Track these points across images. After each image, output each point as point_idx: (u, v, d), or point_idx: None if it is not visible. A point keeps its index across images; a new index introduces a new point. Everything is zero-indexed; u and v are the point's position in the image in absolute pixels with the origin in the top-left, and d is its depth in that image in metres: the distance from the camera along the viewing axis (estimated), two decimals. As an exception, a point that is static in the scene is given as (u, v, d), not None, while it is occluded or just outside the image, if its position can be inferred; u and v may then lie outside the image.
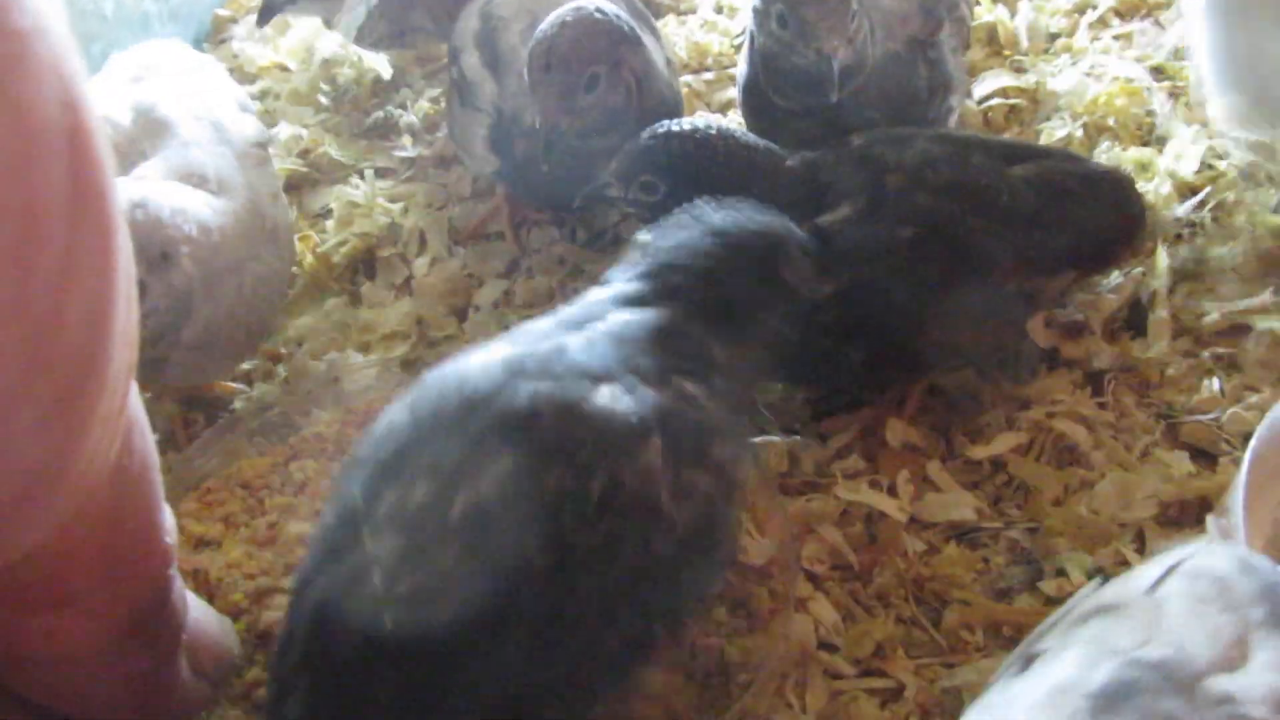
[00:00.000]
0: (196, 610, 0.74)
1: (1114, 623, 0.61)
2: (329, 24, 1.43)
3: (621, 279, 0.80)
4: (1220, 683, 0.56)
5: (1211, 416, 1.02)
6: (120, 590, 0.63)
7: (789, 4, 1.00)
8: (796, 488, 1.01)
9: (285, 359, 1.19)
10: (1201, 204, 1.18)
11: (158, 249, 0.92)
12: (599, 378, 0.71)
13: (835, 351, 0.97)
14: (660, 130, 0.95)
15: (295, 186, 1.37)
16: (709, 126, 0.95)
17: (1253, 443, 0.82)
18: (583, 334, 0.74)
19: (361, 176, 1.36)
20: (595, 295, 0.79)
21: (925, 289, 0.95)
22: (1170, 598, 0.62)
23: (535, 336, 0.75)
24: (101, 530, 0.58)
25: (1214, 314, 1.09)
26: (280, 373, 1.18)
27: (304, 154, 1.41)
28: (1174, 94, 1.33)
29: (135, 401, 0.59)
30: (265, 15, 1.37)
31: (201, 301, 0.96)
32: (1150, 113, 1.29)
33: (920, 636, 0.91)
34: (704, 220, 0.81)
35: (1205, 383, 1.05)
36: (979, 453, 1.01)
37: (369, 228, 1.29)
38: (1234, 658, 0.58)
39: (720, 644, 0.87)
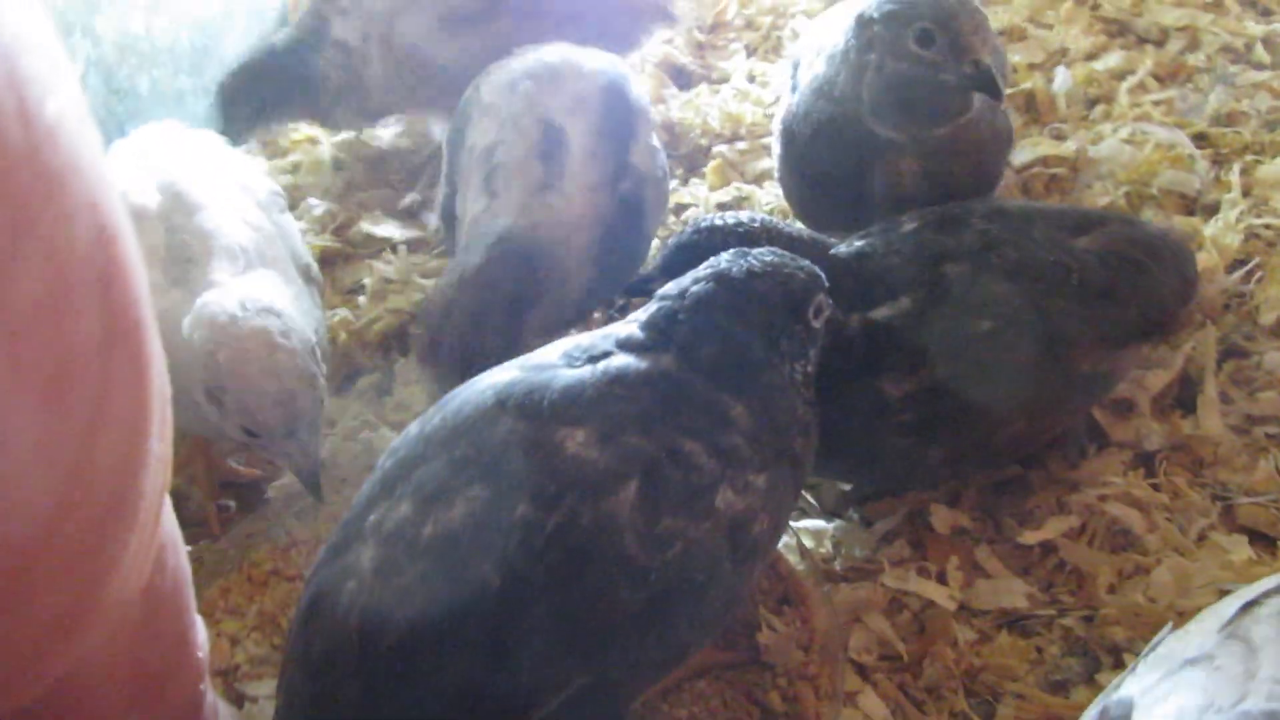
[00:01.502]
0: (226, 717, 0.72)
1: (1206, 675, 0.58)
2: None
3: (633, 323, 0.79)
4: None
5: (1270, 498, 0.99)
6: (153, 709, 0.61)
7: (938, 21, 0.98)
8: (841, 574, 0.98)
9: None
10: (1249, 274, 1.15)
11: (319, 407, 0.93)
12: (577, 421, 0.72)
13: (914, 451, 0.94)
14: (704, 224, 0.93)
15: (329, 262, 1.37)
16: (753, 220, 0.93)
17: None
18: (579, 372, 0.75)
19: (394, 251, 1.36)
20: (604, 333, 0.79)
21: (1007, 382, 0.92)
22: (1267, 643, 0.58)
23: (536, 367, 0.77)
24: (133, 650, 0.57)
25: (1266, 390, 1.07)
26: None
27: (338, 230, 1.41)
28: (1216, 161, 1.30)
29: (169, 519, 0.57)
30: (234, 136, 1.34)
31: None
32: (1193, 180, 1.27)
33: (973, 732, 0.88)
34: (714, 267, 0.79)
35: (1260, 461, 1.02)
36: (1030, 537, 0.98)
37: (402, 304, 1.28)
38: None
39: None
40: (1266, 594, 0.63)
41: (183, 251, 0.98)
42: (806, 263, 0.82)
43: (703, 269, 0.79)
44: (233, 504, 1.11)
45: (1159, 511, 0.99)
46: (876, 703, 0.89)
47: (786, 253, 0.83)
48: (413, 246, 1.37)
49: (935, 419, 0.92)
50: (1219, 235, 1.20)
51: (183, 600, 0.60)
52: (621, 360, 0.75)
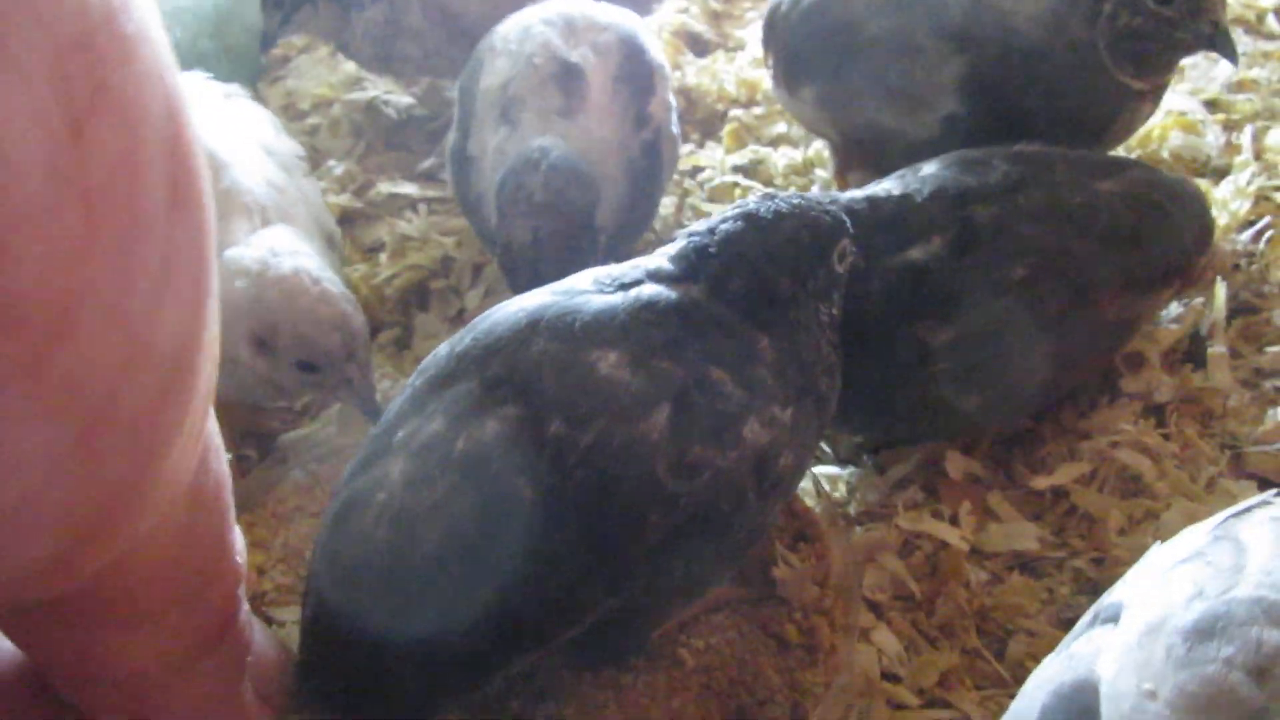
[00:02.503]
0: (259, 633, 0.73)
1: (1195, 569, 0.60)
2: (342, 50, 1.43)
3: (661, 256, 0.81)
4: None
5: (1277, 448, 1.01)
6: (192, 609, 0.63)
7: None
8: (856, 518, 1.00)
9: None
10: (1259, 234, 1.17)
11: (362, 336, 0.95)
12: (609, 344, 0.73)
13: (951, 398, 0.96)
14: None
15: (349, 220, 1.38)
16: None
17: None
18: (610, 298, 0.77)
19: (415, 210, 1.37)
20: (632, 264, 0.81)
21: (1040, 329, 0.94)
22: (1258, 542, 0.60)
23: (567, 292, 0.78)
24: (176, 549, 0.58)
25: (1275, 344, 1.08)
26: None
27: (358, 191, 1.42)
28: (1228, 127, 1.32)
29: (213, 424, 0.59)
30: (265, 44, 1.38)
31: None
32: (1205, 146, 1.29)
33: (985, 667, 0.89)
34: (743, 208, 0.82)
35: (1270, 413, 1.03)
36: (1041, 483, 0.99)
37: (422, 260, 1.30)
38: None
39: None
40: (1256, 505, 0.65)
41: None
42: (832, 207, 0.84)
43: (731, 209, 0.82)
44: (254, 454, 1.13)
45: (1169, 459, 1.00)
46: (890, 638, 0.91)
47: (812, 196, 0.85)
48: (432, 205, 1.39)
49: (972, 366, 0.94)
50: (1230, 197, 1.21)
51: (224, 504, 0.61)
52: (652, 289, 0.77)
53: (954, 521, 0.98)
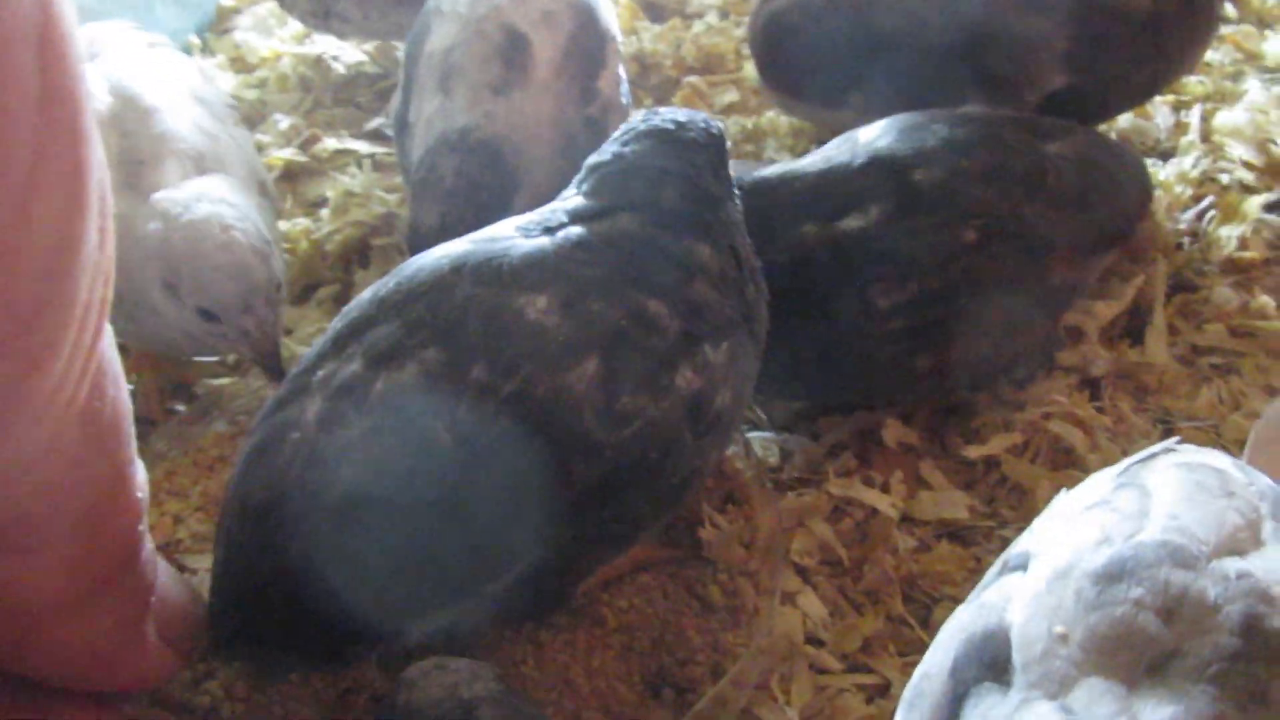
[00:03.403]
0: (166, 575, 0.72)
1: (1102, 515, 0.60)
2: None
3: (575, 197, 0.80)
4: (1233, 562, 0.54)
5: (1209, 423, 1.01)
6: (89, 540, 0.61)
7: None
8: (788, 483, 0.99)
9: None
10: (1202, 214, 1.17)
11: (276, 283, 0.93)
12: (538, 288, 0.72)
13: (903, 359, 0.95)
14: None
15: (292, 175, 1.36)
16: None
17: (1250, 437, 0.80)
18: (537, 241, 0.75)
19: (360, 166, 1.35)
20: (550, 208, 0.80)
21: (994, 290, 0.94)
22: (1162, 486, 0.60)
23: (490, 239, 0.77)
24: (71, 474, 0.56)
25: (1212, 322, 1.08)
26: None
27: (303, 145, 1.40)
28: (1178, 108, 1.32)
29: (111, 351, 0.57)
30: None
31: None
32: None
33: (909, 634, 0.89)
34: (638, 128, 0.81)
35: (1204, 390, 1.04)
36: (973, 452, 0.99)
37: (364, 216, 1.28)
38: (1244, 540, 0.56)
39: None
40: (1160, 451, 0.65)
41: (134, 154, 0.97)
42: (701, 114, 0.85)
43: (622, 134, 0.81)
44: (182, 408, 1.11)
45: (1101, 432, 1.00)
46: (816, 603, 0.91)
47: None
48: (378, 162, 1.37)
49: (925, 327, 0.94)
50: (1175, 179, 1.21)
51: (122, 435, 0.59)
52: (579, 228, 0.76)
53: (885, 489, 0.98)
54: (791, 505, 0.96)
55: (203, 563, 0.86)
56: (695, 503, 0.91)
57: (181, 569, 0.85)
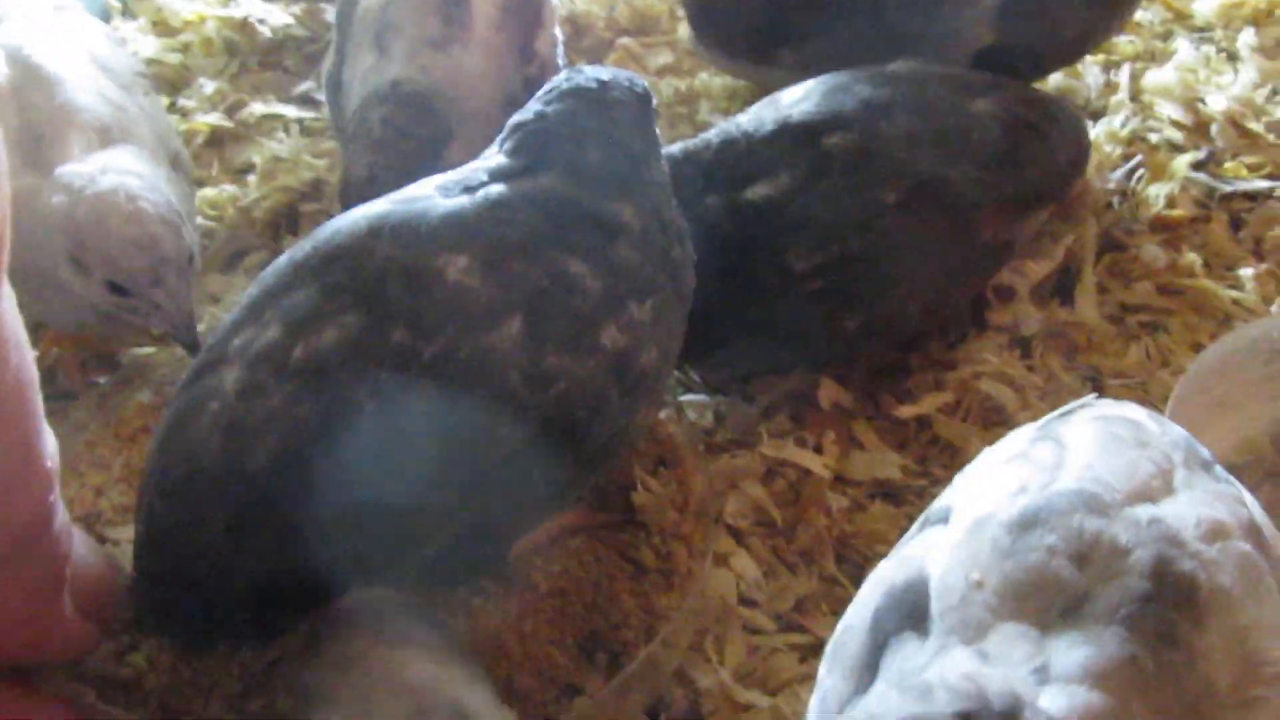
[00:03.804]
0: (82, 547, 0.70)
1: (1019, 467, 0.60)
2: None
3: (497, 155, 0.78)
4: (1145, 509, 0.55)
5: (1138, 380, 1.02)
6: (-3, 512, 0.59)
7: None
8: (721, 446, 0.99)
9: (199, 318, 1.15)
10: (1131, 173, 1.18)
11: (187, 254, 0.90)
12: (458, 248, 0.71)
13: (829, 319, 0.95)
14: None
15: (218, 141, 1.33)
16: None
17: (1174, 392, 0.81)
18: (457, 200, 0.74)
19: (287, 131, 1.33)
20: (470, 168, 0.78)
21: (919, 251, 0.94)
22: (1077, 438, 0.61)
23: (408, 199, 0.75)
24: None
25: (1141, 281, 1.09)
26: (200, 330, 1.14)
27: (229, 110, 1.37)
28: (1108, 67, 1.33)
29: (12, 318, 0.56)
30: None
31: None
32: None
33: (841, 593, 0.89)
34: (562, 87, 0.80)
35: (1132, 347, 1.05)
36: (905, 412, 0.99)
37: (293, 182, 1.26)
38: (1156, 489, 0.57)
39: None
40: (1078, 407, 0.66)
41: (35, 128, 0.94)
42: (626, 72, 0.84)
43: (545, 93, 0.80)
44: (103, 380, 1.09)
45: (1032, 391, 1.01)
46: (749, 563, 0.91)
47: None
48: (305, 127, 1.34)
49: (848, 287, 0.93)
50: (1105, 137, 1.22)
51: (27, 403, 0.58)
52: (500, 188, 0.75)
53: (818, 450, 0.98)
54: (725, 467, 0.96)
55: (125, 534, 0.84)
56: (627, 466, 0.91)
57: (103, 541, 0.84)
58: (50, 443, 0.62)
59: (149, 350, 1.07)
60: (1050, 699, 0.48)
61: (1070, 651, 0.50)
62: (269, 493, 0.69)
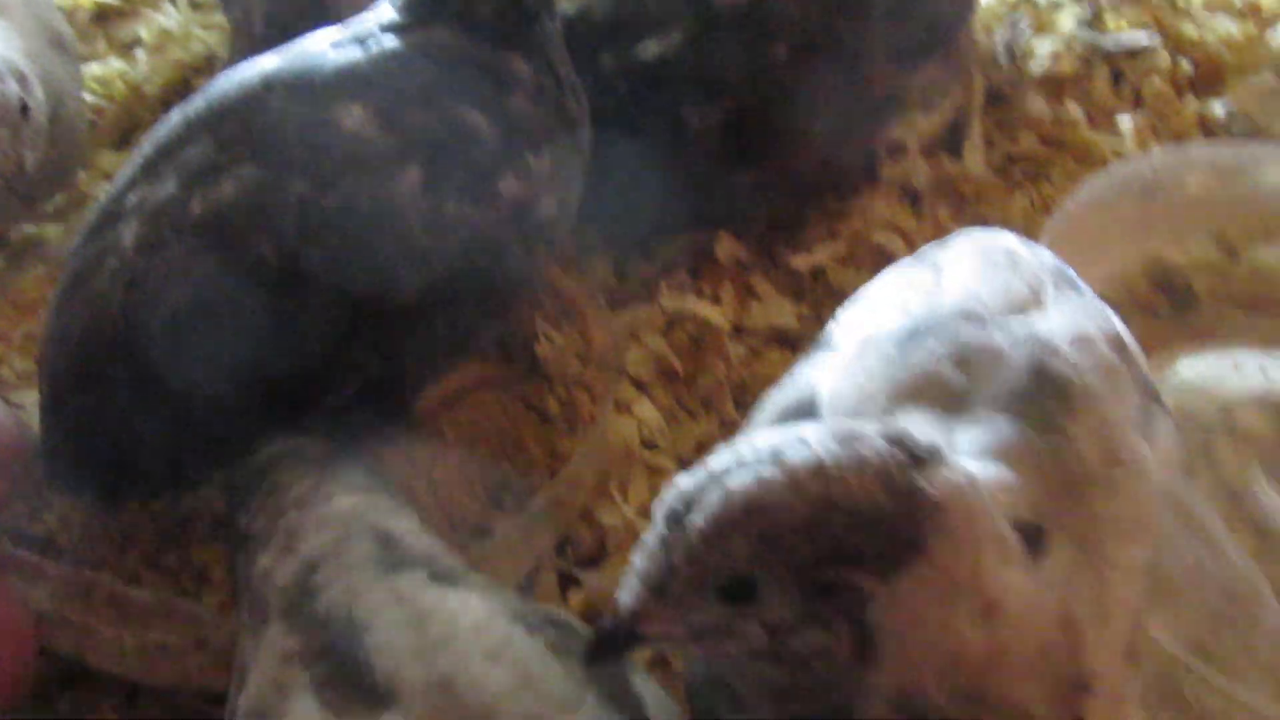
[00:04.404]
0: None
1: (900, 291, 0.64)
2: None
3: (387, 8, 0.78)
4: (1019, 320, 0.59)
5: (1022, 228, 1.05)
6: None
7: None
8: (622, 300, 1.01)
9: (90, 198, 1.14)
10: (1015, 28, 1.20)
11: (17, 105, 0.88)
12: (354, 98, 0.72)
13: (722, 175, 0.97)
14: None
15: (104, 18, 1.30)
16: None
17: (1047, 225, 0.85)
18: (349, 51, 0.74)
19: (174, 4, 1.30)
20: (359, 20, 0.78)
21: (807, 105, 0.95)
22: (953, 263, 0.64)
23: (301, 53, 0.75)
24: None
25: (1025, 132, 1.13)
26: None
27: (112, -16, 1.33)
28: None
29: None
30: None
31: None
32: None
33: (741, 435, 0.93)
34: None
35: (1017, 196, 1.08)
36: (800, 262, 1.02)
37: (184, 57, 1.23)
38: (1029, 304, 0.61)
39: None
40: (953, 237, 0.69)
41: None
42: None
43: None
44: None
45: (921, 240, 1.03)
46: (652, 411, 0.93)
47: None
48: (194, 2, 1.31)
49: (742, 142, 0.95)
50: (992, -5, 1.24)
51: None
52: (393, 39, 0.75)
53: (716, 301, 1.00)
54: (626, 320, 0.98)
55: (29, 398, 0.84)
56: (530, 319, 0.93)
57: (7, 404, 0.84)
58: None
59: (46, 228, 1.05)
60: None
61: (970, 434, 0.54)
62: (172, 345, 0.69)
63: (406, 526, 0.64)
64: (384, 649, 0.54)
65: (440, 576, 0.59)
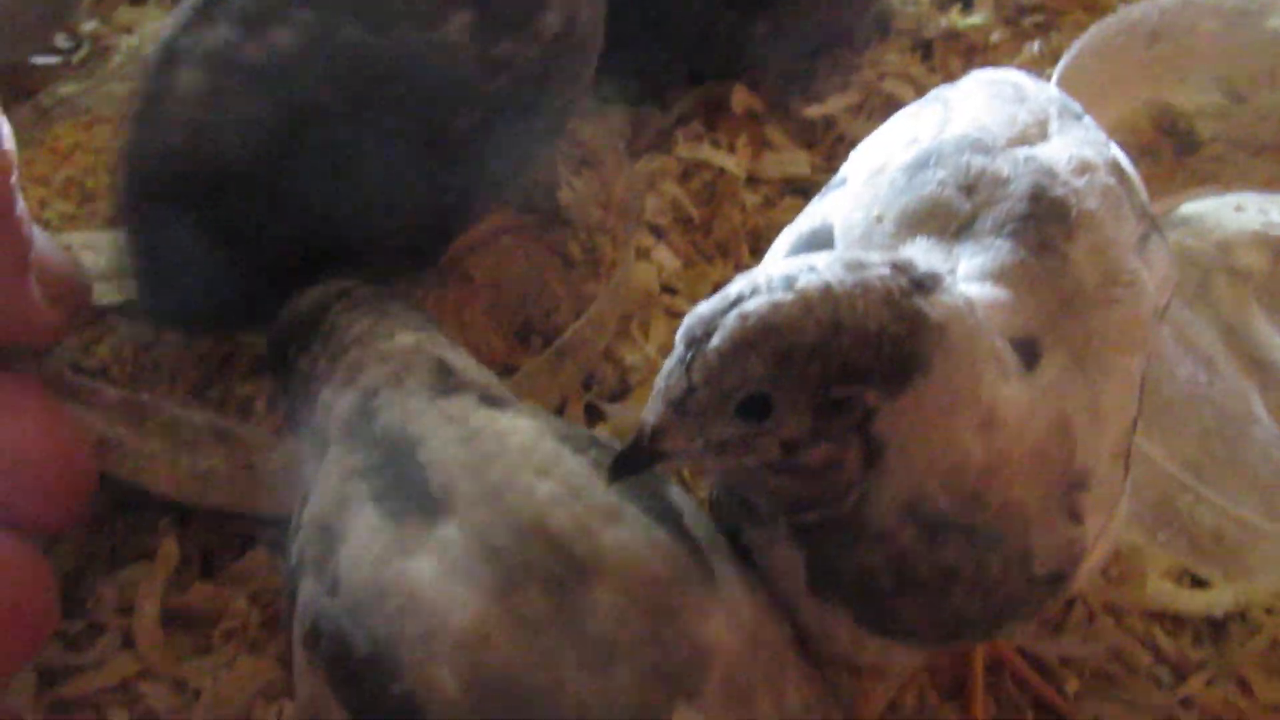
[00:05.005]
0: (45, 241, 0.74)
1: (909, 125, 0.67)
2: None
3: None
4: (1023, 149, 0.62)
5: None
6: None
7: None
8: (639, 151, 1.04)
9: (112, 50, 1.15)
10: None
11: None
12: None
13: (741, 28, 0.99)
14: None
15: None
16: None
17: (1057, 69, 0.87)
18: None
19: None
20: None
21: None
22: (962, 97, 0.67)
23: None
24: None
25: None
26: (117, 60, 1.14)
27: None
28: None
29: None
30: None
31: None
32: None
33: (756, 279, 0.96)
34: None
35: (1026, 46, 1.10)
36: (813, 112, 1.05)
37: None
38: (1034, 134, 0.64)
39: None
40: (964, 79, 0.71)
41: None
42: None
43: None
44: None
45: (932, 88, 1.05)
46: (670, 256, 0.97)
47: None
48: None
49: None
50: None
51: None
52: None
53: (731, 150, 1.03)
54: (643, 169, 1.01)
55: (75, 239, 0.88)
56: (552, 168, 0.96)
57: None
58: (5, 130, 0.65)
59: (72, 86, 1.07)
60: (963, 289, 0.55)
61: (971, 259, 0.57)
62: (235, 190, 0.72)
63: (463, 359, 0.67)
64: (437, 464, 0.57)
65: (491, 400, 0.62)
